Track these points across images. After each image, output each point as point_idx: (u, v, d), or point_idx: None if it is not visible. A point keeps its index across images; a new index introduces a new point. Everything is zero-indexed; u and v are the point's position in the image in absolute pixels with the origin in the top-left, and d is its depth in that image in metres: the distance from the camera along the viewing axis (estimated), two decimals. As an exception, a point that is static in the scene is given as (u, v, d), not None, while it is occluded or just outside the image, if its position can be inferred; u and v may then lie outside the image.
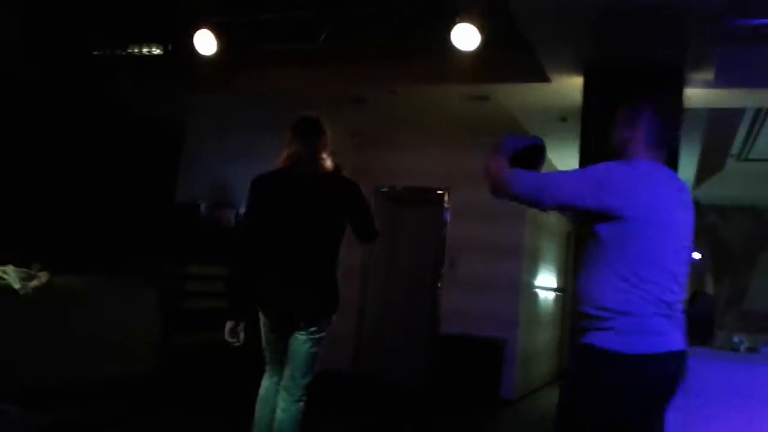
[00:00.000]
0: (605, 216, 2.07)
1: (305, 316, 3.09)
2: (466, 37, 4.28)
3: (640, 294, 2.04)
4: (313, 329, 3.10)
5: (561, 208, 2.23)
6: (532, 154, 2.41)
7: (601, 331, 2.08)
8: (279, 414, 3.12)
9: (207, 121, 6.77)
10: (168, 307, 5.19)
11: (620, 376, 2.03)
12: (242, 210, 3.25)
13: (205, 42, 4.88)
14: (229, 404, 5.02)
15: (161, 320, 5.14)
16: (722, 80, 4.64)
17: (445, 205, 7.19)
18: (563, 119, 5.81)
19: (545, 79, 4.82)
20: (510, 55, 4.77)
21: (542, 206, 2.19)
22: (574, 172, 2.30)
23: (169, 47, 5.01)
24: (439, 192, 7.22)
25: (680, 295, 2.13)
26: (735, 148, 7.10)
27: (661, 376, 2.07)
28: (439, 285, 7.08)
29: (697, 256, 10.26)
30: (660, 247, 2.08)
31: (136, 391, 4.71)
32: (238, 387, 5.37)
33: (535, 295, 7.41)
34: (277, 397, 3.19)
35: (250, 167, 6.45)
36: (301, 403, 3.14)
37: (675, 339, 2.09)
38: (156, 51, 5.03)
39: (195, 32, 4.84)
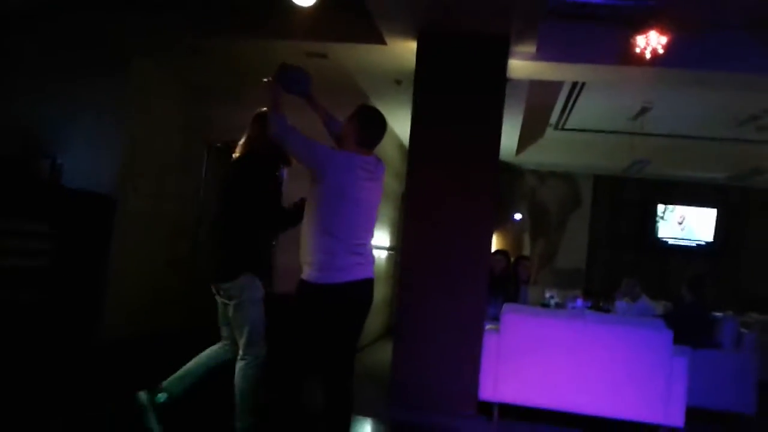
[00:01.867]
0: (315, 180, 3.00)
1: (212, 279, 3.46)
2: (303, -8, 4.20)
3: (333, 241, 2.96)
4: (225, 294, 3.41)
5: (295, 158, 3.13)
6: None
7: (307, 268, 3.02)
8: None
9: (23, 62, 6.12)
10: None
11: (317, 299, 2.98)
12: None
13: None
14: (28, 364, 4.69)
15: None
16: (543, 54, 4.96)
17: (282, 163, 7.09)
18: (398, 82, 5.91)
19: (381, 41, 4.86)
20: (348, 15, 4.76)
21: (287, 151, 3.13)
22: (310, 141, 3.03)
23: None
24: (276, 150, 7.10)
25: (368, 240, 3.10)
26: (553, 118, 7.66)
27: (345, 298, 2.99)
28: (274, 243, 7.02)
29: (518, 216, 11.05)
30: (348, 209, 3.00)
31: None
32: (40, 347, 5.03)
33: (369, 253, 7.59)
34: (216, 358, 3.53)
35: (67, 116, 6.02)
36: (243, 362, 3.37)
37: (359, 272, 3.02)
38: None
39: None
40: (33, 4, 4.61)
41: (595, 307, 6.86)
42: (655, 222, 10.80)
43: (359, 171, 3.03)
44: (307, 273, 3.02)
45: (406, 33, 4.69)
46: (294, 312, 3.04)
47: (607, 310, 6.56)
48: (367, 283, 3.08)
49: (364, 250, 3.07)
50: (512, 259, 6.99)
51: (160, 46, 5.85)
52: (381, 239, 8.18)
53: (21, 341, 4.88)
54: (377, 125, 3.19)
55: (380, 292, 8.39)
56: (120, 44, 5.84)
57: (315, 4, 4.28)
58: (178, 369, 3.53)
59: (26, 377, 4.51)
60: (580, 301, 7.17)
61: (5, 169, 5.34)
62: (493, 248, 8.31)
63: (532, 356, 4.62)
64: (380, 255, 8.24)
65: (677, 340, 4.62)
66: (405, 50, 4.94)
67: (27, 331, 4.98)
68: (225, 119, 7.12)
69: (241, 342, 3.39)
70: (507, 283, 6.45)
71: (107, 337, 5.95)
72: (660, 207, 10.80)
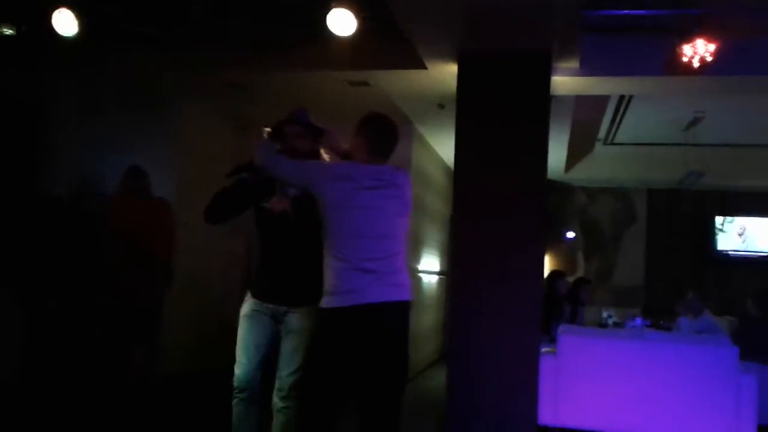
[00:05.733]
0: (316, 198, 2.78)
1: None
2: (342, 22, 4.24)
3: (342, 262, 2.69)
4: None
5: (290, 183, 2.94)
6: None
7: (324, 296, 2.74)
8: None
9: (71, 105, 6.34)
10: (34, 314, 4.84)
11: (329, 325, 2.72)
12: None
13: (65, 22, 4.57)
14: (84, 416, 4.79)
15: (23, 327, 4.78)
16: (587, 68, 4.88)
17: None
18: (441, 106, 5.90)
19: (422, 66, 4.87)
20: (388, 42, 4.77)
21: (279, 178, 2.96)
22: (298, 162, 2.94)
23: (23, 28, 4.65)
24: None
25: (384, 255, 2.74)
26: (601, 132, 7.53)
27: (356, 323, 2.67)
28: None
29: (571, 234, 10.84)
30: (356, 224, 2.72)
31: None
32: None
33: (420, 279, 7.55)
34: None
35: (119, 154, 6.20)
36: None
37: (374, 293, 2.67)
38: (7, 32, 4.66)
39: (53, 12, 4.52)
40: (78, 47, 4.77)
41: (655, 325, 6.66)
42: (714, 234, 10.43)
43: (363, 180, 2.76)
44: (322, 300, 2.76)
45: (446, 56, 4.69)
46: (315, 344, 2.83)
47: (668, 328, 6.34)
48: (388, 306, 2.70)
49: (379, 266, 2.71)
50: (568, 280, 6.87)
51: (205, 84, 5.99)
52: (430, 263, 8.13)
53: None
54: (390, 133, 2.95)
55: (431, 318, 8.32)
56: (165, 83, 6.01)
57: (354, 33, 4.32)
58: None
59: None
60: (639, 320, 6.97)
61: (59, 211, 5.48)
62: (547, 268, 8.20)
63: (591, 378, 4.49)
64: (430, 280, 8.19)
65: (744, 357, 4.42)
66: (446, 73, 4.94)
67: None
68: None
69: None
70: (564, 305, 6.33)
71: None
72: (718, 219, 10.45)
